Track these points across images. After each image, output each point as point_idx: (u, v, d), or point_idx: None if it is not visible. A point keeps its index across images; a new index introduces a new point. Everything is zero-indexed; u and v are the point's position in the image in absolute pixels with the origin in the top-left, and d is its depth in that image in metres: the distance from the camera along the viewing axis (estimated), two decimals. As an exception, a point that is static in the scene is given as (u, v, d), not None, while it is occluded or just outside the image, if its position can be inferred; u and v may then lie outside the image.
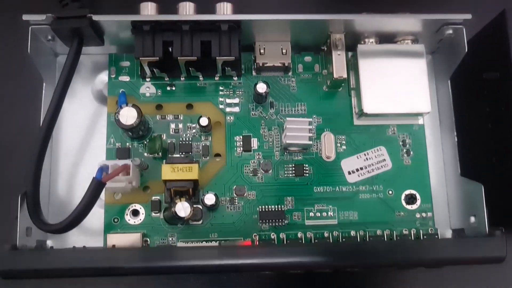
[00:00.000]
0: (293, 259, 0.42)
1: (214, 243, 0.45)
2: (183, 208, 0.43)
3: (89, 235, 0.47)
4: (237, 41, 0.45)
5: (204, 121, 0.46)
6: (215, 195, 0.45)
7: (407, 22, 0.48)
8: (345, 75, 0.47)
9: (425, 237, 0.46)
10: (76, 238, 0.46)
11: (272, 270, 0.43)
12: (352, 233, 0.47)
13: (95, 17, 0.43)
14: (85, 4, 0.47)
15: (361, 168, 0.49)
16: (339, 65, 0.48)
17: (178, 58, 0.45)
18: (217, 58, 0.45)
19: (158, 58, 0.44)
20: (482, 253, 0.41)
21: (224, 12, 0.45)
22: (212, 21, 0.44)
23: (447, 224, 0.49)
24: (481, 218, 0.45)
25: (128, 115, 0.44)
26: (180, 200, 0.43)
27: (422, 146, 0.50)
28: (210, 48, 0.45)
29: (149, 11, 0.45)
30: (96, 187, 0.41)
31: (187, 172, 0.44)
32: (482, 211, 0.44)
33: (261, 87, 0.47)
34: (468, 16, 0.46)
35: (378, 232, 0.47)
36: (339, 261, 0.41)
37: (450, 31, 0.48)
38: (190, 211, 0.43)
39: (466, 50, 0.47)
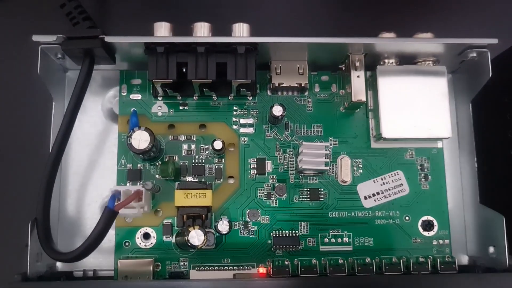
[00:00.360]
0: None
1: (227, 271, 0.44)
2: (196, 236, 0.42)
3: (99, 256, 0.46)
4: (253, 64, 0.44)
5: (218, 145, 0.45)
6: (229, 221, 0.44)
7: (429, 45, 0.46)
8: (364, 99, 0.46)
9: (442, 266, 0.45)
10: (86, 260, 0.45)
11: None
12: (367, 260, 0.46)
13: (108, 39, 0.42)
14: (96, 21, 0.45)
15: (378, 193, 0.48)
16: (358, 88, 0.46)
17: (193, 80, 0.43)
18: (232, 81, 0.44)
19: (172, 80, 0.43)
20: (502, 289, 0.40)
21: (241, 34, 0.44)
22: (228, 43, 0.43)
23: (464, 251, 0.48)
24: (501, 249, 0.44)
25: (141, 139, 0.43)
26: (194, 228, 0.42)
27: (440, 170, 0.48)
28: (225, 70, 0.43)
29: (163, 31, 0.43)
30: (109, 216, 0.40)
31: (201, 198, 0.43)
32: (502, 242, 0.43)
33: (277, 110, 0.45)
34: (495, 41, 0.45)
35: (394, 259, 0.46)
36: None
37: (474, 54, 0.46)
38: (204, 240, 0.42)
39: (491, 74, 0.45)
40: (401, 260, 0.46)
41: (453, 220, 0.48)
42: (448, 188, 0.49)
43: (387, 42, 0.45)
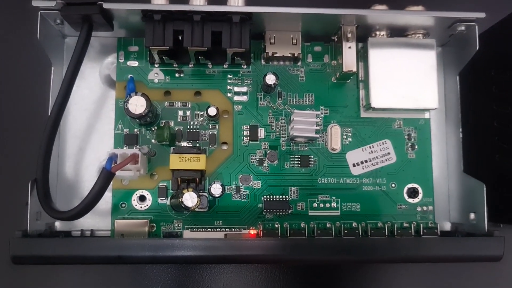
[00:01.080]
0: (295, 255, 0.43)
1: (219, 232, 0.46)
2: (190, 198, 0.43)
3: (96, 217, 0.48)
4: (248, 33, 0.45)
5: (212, 111, 0.47)
6: (222, 185, 0.46)
7: (419, 18, 0.47)
8: (355, 69, 0.47)
9: (425, 231, 0.47)
10: (83, 221, 0.47)
11: (274, 263, 0.44)
12: (354, 224, 0.48)
13: (106, 5, 0.43)
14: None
15: (366, 161, 0.49)
16: (349, 59, 0.47)
17: (189, 48, 0.44)
18: (227, 49, 0.45)
19: (168, 47, 0.44)
20: (479, 252, 0.43)
21: (236, 3, 0.45)
22: (223, 12, 0.44)
23: (447, 218, 0.50)
24: (480, 216, 0.46)
25: (137, 104, 0.44)
26: (188, 190, 0.44)
27: (427, 140, 0.50)
28: (220, 39, 0.45)
29: (160, -1, 0.44)
30: (106, 177, 0.41)
31: (195, 162, 0.45)
32: (482, 209, 0.45)
33: (270, 79, 0.47)
34: (482, 15, 0.46)
35: (379, 224, 0.48)
36: (339, 257, 0.43)
37: (463, 28, 0.47)
38: (197, 202, 0.44)
39: (478, 47, 0.46)
40: (386, 225, 0.48)
41: (438, 188, 0.50)
42: (434, 157, 0.51)
43: (378, 14, 0.46)
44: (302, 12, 0.45)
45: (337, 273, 0.51)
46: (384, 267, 0.51)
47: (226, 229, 0.47)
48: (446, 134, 0.51)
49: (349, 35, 0.48)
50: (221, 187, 0.45)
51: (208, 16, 0.44)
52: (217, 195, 0.45)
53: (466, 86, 0.50)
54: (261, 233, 0.46)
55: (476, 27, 0.47)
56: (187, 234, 0.46)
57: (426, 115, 0.51)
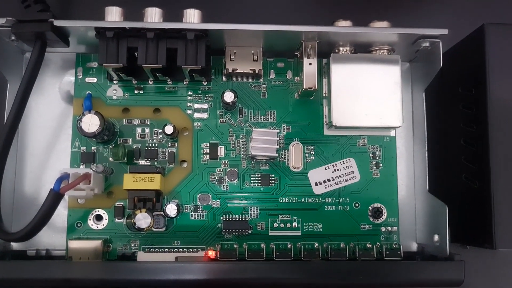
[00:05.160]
0: (251, 276, 0.42)
1: (170, 253, 0.45)
2: (143, 219, 0.43)
3: (53, 235, 0.47)
4: (204, 50, 0.44)
5: (169, 130, 0.46)
6: (178, 205, 0.45)
7: (383, 34, 0.46)
8: (315, 86, 0.46)
9: (387, 253, 0.46)
10: (40, 239, 0.46)
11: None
12: (316, 245, 0.47)
13: (57, 22, 0.42)
14: (52, 5, 0.45)
15: (329, 180, 0.48)
16: (309, 75, 0.46)
17: (143, 65, 0.44)
18: (183, 66, 0.44)
19: (122, 65, 0.43)
20: (439, 276, 0.42)
21: (191, 20, 0.44)
22: (178, 29, 0.43)
23: (413, 239, 0.49)
24: (443, 237, 0.44)
25: (91, 123, 0.43)
26: (141, 211, 0.43)
27: (392, 159, 0.49)
28: (176, 56, 0.44)
29: (113, 16, 0.43)
30: (54, 198, 0.41)
31: (149, 182, 0.44)
32: (444, 231, 0.44)
33: (228, 96, 0.46)
34: (445, 31, 0.45)
35: (342, 245, 0.47)
36: (296, 280, 0.41)
37: (427, 44, 0.46)
38: (151, 222, 0.43)
39: (442, 64, 0.45)
40: (349, 246, 0.46)
41: (404, 208, 0.49)
42: (401, 176, 0.49)
43: (338, 30, 0.45)
44: (259, 29, 0.44)
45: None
46: None
47: (184, 250, 0.46)
48: (414, 152, 0.50)
49: (310, 52, 0.47)
50: (176, 208, 0.45)
51: (163, 33, 0.43)
52: (172, 216, 0.44)
53: (435, 103, 0.49)
54: (218, 254, 0.45)
55: (440, 43, 0.46)
56: (141, 255, 0.45)
57: (392, 133, 0.50)
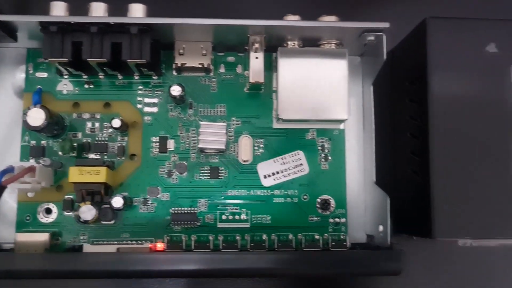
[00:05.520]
0: (196, 267, 0.43)
1: (112, 245, 0.46)
2: (87, 211, 0.43)
3: (4, 228, 0.47)
4: (148, 44, 0.44)
5: (116, 123, 0.46)
6: (124, 198, 0.45)
7: (329, 28, 0.47)
8: (261, 80, 0.47)
9: (333, 243, 0.47)
10: (-10, 233, 0.47)
11: (162, 277, 0.43)
12: (264, 237, 0.47)
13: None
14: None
15: (277, 172, 0.49)
16: (256, 69, 0.47)
17: (88, 59, 0.44)
18: (127, 60, 0.44)
19: (67, 59, 0.44)
20: (379, 265, 0.42)
21: (136, 14, 0.44)
22: (121, 23, 0.43)
23: (362, 230, 0.50)
24: (386, 228, 0.45)
25: (36, 117, 0.44)
26: (85, 203, 0.43)
27: (341, 151, 0.50)
28: (121, 50, 0.44)
29: (58, 11, 0.44)
30: (-4, 190, 0.41)
31: (94, 175, 0.44)
32: (386, 221, 0.45)
33: (175, 90, 0.46)
34: (386, 25, 0.45)
35: (290, 236, 0.47)
36: (237, 270, 0.42)
37: (372, 38, 0.47)
38: (95, 215, 0.43)
39: (385, 57, 0.46)
40: (296, 238, 0.47)
41: (353, 200, 0.50)
42: (350, 168, 0.50)
43: (282, 24, 0.45)
44: (202, 23, 0.44)
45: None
46: (287, 282, 0.51)
47: (133, 242, 0.47)
48: (364, 145, 0.51)
49: (256, 46, 0.47)
50: (122, 200, 0.45)
51: (108, 27, 0.44)
52: (117, 208, 0.45)
53: (384, 96, 0.50)
54: (166, 246, 0.46)
55: (384, 37, 0.46)
56: (87, 247, 0.45)
57: (341, 126, 0.50)
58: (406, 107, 0.49)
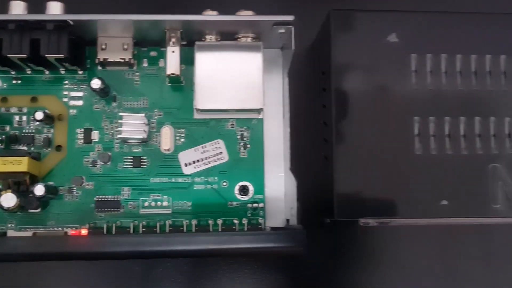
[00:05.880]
0: (116, 249, 0.45)
1: (30, 231, 0.48)
2: (8, 199, 0.46)
3: None
4: (65, 39, 0.47)
5: (39, 115, 0.49)
6: (45, 186, 0.47)
7: (242, 21, 0.49)
8: (178, 72, 0.49)
9: (249, 227, 0.49)
10: None
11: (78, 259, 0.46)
12: (185, 222, 0.50)
13: None
14: None
15: (198, 161, 0.51)
16: (172, 62, 0.49)
17: (8, 55, 0.47)
18: (46, 55, 0.47)
19: (-14, 55, 0.46)
20: (282, 245, 0.44)
21: (53, 11, 0.47)
22: (38, 20, 0.46)
23: (281, 214, 0.52)
24: (295, 211, 0.48)
25: (-42, 111, 0.46)
26: (6, 191, 0.46)
27: (259, 140, 0.52)
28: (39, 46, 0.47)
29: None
30: None
31: (16, 164, 0.47)
32: (295, 205, 0.47)
33: (95, 83, 0.49)
34: (291, 18, 0.48)
35: (210, 221, 0.50)
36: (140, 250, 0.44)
37: (283, 30, 0.49)
38: (16, 202, 0.46)
39: (293, 48, 0.48)
40: (215, 222, 0.50)
41: (271, 186, 0.52)
42: (268, 155, 0.52)
43: (195, 19, 0.48)
44: (116, 19, 0.47)
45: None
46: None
47: (58, 229, 0.49)
48: (284, 133, 0.53)
49: (173, 40, 0.50)
50: (44, 188, 0.47)
51: (27, 24, 0.46)
52: (39, 196, 0.47)
53: (304, 87, 0.52)
54: (88, 232, 0.48)
55: (292, 29, 0.49)
56: (11, 233, 0.48)
57: (260, 116, 0.52)
58: (320, 96, 0.51)
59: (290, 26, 0.49)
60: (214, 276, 0.53)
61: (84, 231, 0.49)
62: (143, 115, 0.50)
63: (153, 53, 0.53)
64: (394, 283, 0.52)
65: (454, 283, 0.51)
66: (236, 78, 0.50)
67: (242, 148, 0.52)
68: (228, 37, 0.51)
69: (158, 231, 0.48)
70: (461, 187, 0.46)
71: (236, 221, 0.50)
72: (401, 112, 0.47)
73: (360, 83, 0.47)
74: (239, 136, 0.52)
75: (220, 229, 0.49)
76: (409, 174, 0.46)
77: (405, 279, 0.52)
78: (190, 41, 0.51)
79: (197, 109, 0.50)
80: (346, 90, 0.47)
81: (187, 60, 0.51)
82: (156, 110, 0.52)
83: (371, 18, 0.48)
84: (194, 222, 0.50)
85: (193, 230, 0.49)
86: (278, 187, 0.52)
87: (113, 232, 0.48)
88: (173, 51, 0.49)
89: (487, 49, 0.47)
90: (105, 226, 0.49)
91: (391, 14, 0.48)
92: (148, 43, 0.52)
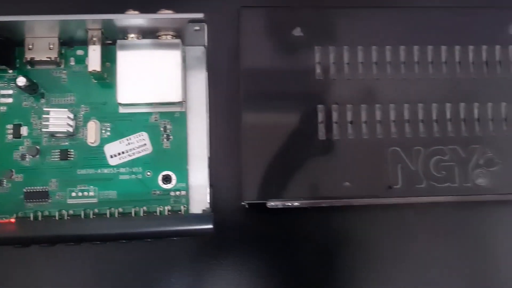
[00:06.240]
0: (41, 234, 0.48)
1: None
2: None
3: None
4: (-14, 40, 0.50)
5: (-34, 113, 0.51)
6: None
7: (160, 20, 0.52)
8: (98, 69, 0.52)
9: (169, 213, 0.52)
10: None
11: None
12: (111, 210, 0.52)
13: None
14: None
15: (123, 152, 0.54)
16: (93, 60, 0.52)
17: None
18: (-31, 55, 0.50)
19: None
20: (191, 227, 0.48)
21: (-24, 13, 0.50)
22: (-39, 22, 0.49)
23: (203, 201, 0.55)
24: (209, 197, 0.51)
25: None
26: None
27: (182, 131, 0.55)
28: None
29: None
30: None
31: None
32: (208, 191, 0.50)
33: (20, 81, 0.52)
34: (201, 15, 0.51)
35: (136, 209, 0.53)
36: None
37: (198, 28, 0.53)
38: None
39: (206, 44, 0.52)
40: (140, 210, 0.53)
41: (194, 174, 0.55)
42: (192, 146, 0.55)
43: (111, 18, 0.51)
44: (32, 20, 0.50)
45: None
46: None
47: (-11, 219, 0.52)
48: (207, 125, 0.56)
49: (95, 39, 0.53)
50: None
51: (-49, 27, 0.49)
52: (-34, 188, 0.50)
53: (218, 80, 0.56)
54: (16, 220, 0.51)
55: (205, 26, 0.52)
56: None
57: (183, 108, 0.56)
58: (236, 88, 0.54)
59: (203, 23, 0.52)
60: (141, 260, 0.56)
61: (12, 220, 0.51)
62: (66, 110, 0.52)
63: (79, 52, 0.56)
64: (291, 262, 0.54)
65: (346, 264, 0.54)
66: (156, 74, 0.53)
67: (165, 140, 0.55)
68: (150, 35, 0.55)
69: (82, 218, 0.51)
70: (362, 170, 0.49)
71: (160, 209, 0.53)
72: (306, 101, 0.50)
73: (268, 75, 0.50)
74: (162, 129, 0.55)
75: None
76: (313, 159, 0.49)
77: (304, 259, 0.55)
78: (114, 39, 0.54)
79: (120, 104, 0.53)
80: (254, 80, 0.50)
81: (113, 58, 0.54)
82: (82, 105, 0.55)
83: (278, 14, 0.51)
84: (118, 210, 0.53)
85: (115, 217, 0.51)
86: (201, 175, 0.55)
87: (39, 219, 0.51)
88: (94, 50, 0.53)
89: (385, 41, 0.51)
90: (31, 215, 0.51)
91: (296, 9, 0.51)
92: (75, 43, 0.55)
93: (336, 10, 0.51)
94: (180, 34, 0.55)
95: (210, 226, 0.47)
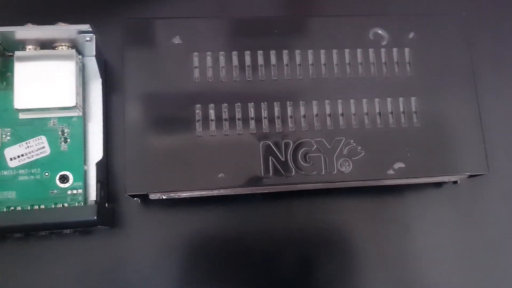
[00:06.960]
0: None
1: None
2: None
3: None
4: None
5: None
6: None
7: (51, 31, 0.57)
8: (-6, 78, 0.57)
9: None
10: None
11: None
12: (10, 209, 0.56)
13: None
14: None
15: (22, 155, 0.58)
16: (-11, 70, 0.57)
17: None
18: None
19: None
20: (75, 219, 0.52)
21: None
22: None
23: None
24: (95, 192, 0.55)
25: None
26: None
27: (79, 135, 0.59)
28: None
29: None
30: None
31: None
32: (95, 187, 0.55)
33: None
34: (86, 27, 0.56)
35: (35, 207, 0.57)
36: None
37: (88, 38, 0.57)
38: None
39: (94, 53, 0.57)
40: (40, 207, 0.56)
41: (90, 174, 0.59)
42: (91, 148, 0.60)
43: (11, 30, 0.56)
44: None
45: None
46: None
47: None
48: (103, 128, 0.61)
49: (-8, 51, 0.57)
50: None
51: None
52: None
53: (113, 89, 0.60)
54: None
55: (94, 37, 0.57)
56: None
57: (80, 114, 0.60)
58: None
59: (92, 34, 0.57)
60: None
61: None
62: (-35, 116, 0.56)
63: (-18, 63, 0.60)
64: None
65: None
66: (52, 82, 0.58)
67: (63, 143, 0.59)
68: (48, 46, 0.59)
69: (-18, 217, 0.55)
70: (237, 162, 0.54)
71: (59, 206, 0.57)
72: (185, 101, 0.55)
73: (150, 79, 0.55)
74: (60, 132, 0.59)
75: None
76: (192, 154, 0.54)
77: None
78: (13, 52, 0.59)
79: (16, 109, 0.57)
80: (137, 84, 0.55)
81: (12, 69, 0.59)
82: (-16, 113, 0.59)
83: (160, 24, 0.56)
84: (17, 209, 0.56)
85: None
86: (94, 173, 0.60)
87: None
88: (-9, 60, 0.57)
89: (256, 47, 0.56)
90: None
91: (175, 20, 0.56)
92: (-18, 54, 0.60)
93: (212, 20, 0.56)
94: (76, 45, 0.60)
95: (94, 218, 0.51)
